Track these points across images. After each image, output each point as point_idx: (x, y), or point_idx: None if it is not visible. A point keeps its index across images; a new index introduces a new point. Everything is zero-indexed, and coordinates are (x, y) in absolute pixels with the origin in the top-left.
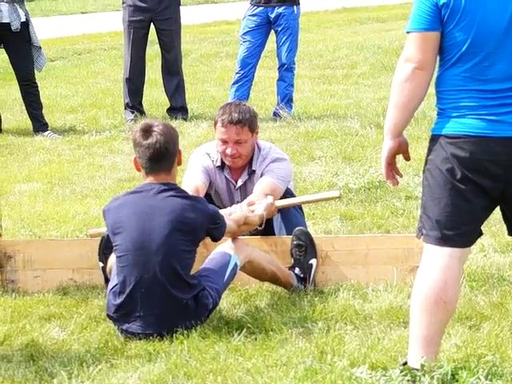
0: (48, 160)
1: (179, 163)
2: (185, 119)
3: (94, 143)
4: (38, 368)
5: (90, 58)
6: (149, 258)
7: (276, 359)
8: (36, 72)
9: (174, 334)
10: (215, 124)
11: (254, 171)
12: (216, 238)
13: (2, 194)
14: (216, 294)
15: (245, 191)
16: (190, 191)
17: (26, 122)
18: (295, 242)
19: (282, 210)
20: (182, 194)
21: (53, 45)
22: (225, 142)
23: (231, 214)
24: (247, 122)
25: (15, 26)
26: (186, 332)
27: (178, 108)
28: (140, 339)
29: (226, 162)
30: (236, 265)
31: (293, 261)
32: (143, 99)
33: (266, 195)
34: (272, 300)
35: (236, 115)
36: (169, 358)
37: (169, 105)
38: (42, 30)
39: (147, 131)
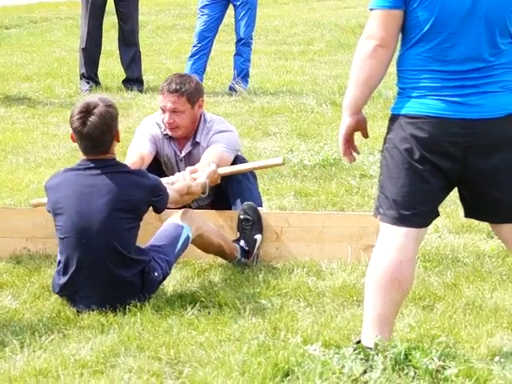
0: (2, 128)
1: (117, 141)
2: (140, 91)
3: (48, 112)
4: None
5: (45, 26)
6: (90, 241)
7: (229, 334)
8: None
9: (127, 307)
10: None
11: (198, 143)
12: (159, 210)
13: None
14: (166, 265)
15: (189, 162)
16: (135, 159)
17: None
18: (242, 216)
19: (235, 183)
20: (121, 169)
21: (8, 12)
22: (163, 110)
23: (174, 183)
24: (185, 92)
25: None
26: (139, 304)
27: (133, 79)
28: (93, 310)
29: (168, 132)
30: (188, 237)
31: (238, 234)
32: (99, 70)
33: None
34: (225, 275)
35: (174, 85)
36: (121, 329)
37: (124, 76)
38: None
39: (83, 119)
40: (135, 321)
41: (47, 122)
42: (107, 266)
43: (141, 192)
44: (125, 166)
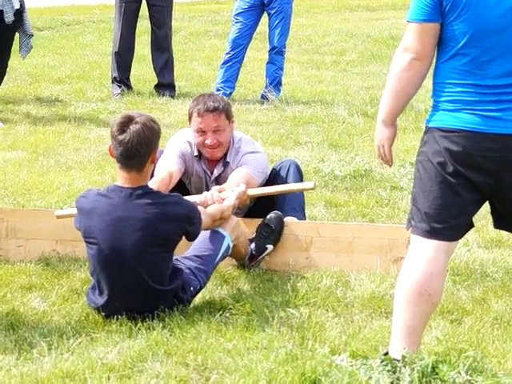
0: (33, 130)
1: (153, 162)
2: (172, 96)
3: (79, 115)
4: (17, 337)
5: (78, 29)
6: (122, 275)
7: (257, 342)
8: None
9: (156, 311)
10: (190, 116)
11: (228, 163)
12: (191, 238)
13: None
14: (204, 276)
15: (219, 183)
16: (163, 176)
17: (12, 90)
18: (266, 222)
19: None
20: (155, 201)
21: (41, 14)
22: (203, 132)
23: (203, 203)
24: (223, 109)
25: (9, 18)
26: (167, 310)
27: (165, 85)
28: (121, 314)
29: (205, 154)
30: (229, 247)
31: (254, 235)
32: (131, 74)
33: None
34: (254, 283)
35: (211, 103)
36: (149, 334)
37: (156, 81)
38: None
39: (124, 126)
40: (163, 326)
41: (78, 125)
42: (140, 299)
43: (175, 224)
44: (158, 195)
